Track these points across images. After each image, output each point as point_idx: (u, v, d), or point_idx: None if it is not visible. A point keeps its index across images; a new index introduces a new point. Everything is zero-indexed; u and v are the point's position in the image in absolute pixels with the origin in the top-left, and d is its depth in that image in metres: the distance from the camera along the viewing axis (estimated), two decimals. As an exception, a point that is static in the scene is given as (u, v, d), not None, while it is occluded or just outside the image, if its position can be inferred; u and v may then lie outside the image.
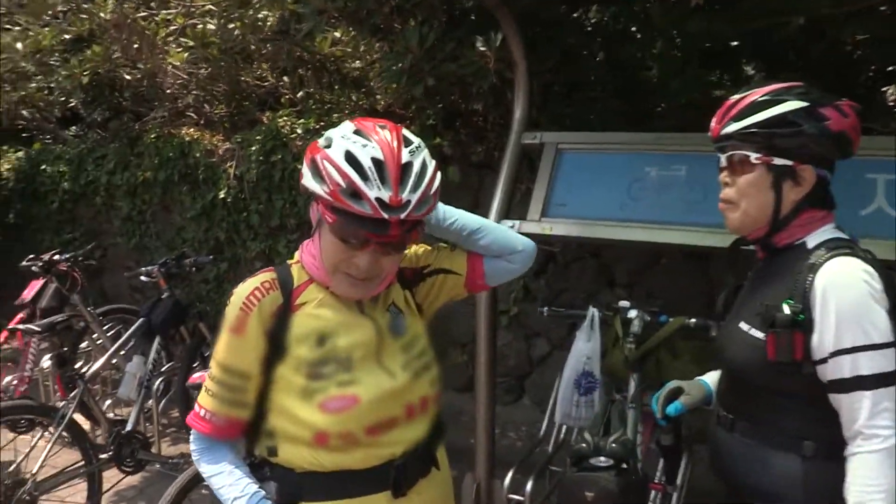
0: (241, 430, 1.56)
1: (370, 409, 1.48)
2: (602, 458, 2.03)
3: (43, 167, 6.23)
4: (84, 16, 5.00)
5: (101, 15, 4.67)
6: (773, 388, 1.58)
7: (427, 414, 1.60)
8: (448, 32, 3.65)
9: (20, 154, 6.57)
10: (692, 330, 2.73)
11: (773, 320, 1.50)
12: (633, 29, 4.13)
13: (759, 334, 1.54)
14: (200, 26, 4.95)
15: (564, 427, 3.11)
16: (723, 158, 1.63)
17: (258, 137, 5.12)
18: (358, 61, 4.91)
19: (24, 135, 7.03)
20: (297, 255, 1.59)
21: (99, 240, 6.07)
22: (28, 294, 4.24)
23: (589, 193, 3.18)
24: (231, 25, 4.74)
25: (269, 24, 4.33)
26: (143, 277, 4.00)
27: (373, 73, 4.77)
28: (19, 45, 5.38)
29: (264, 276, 1.53)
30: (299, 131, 5.24)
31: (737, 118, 1.58)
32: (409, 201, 1.37)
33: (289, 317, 1.50)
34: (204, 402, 1.53)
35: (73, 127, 6.83)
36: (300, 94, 5.43)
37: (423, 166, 1.43)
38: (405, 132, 1.47)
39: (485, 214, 3.30)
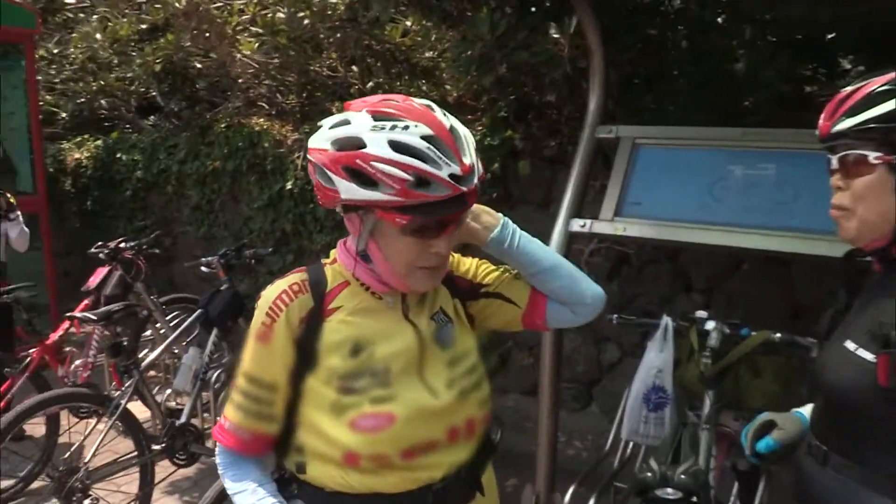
0: (268, 446, 1.42)
1: (406, 429, 1.31)
2: (670, 490, 1.81)
3: (119, 155, 6.34)
4: (158, 5, 5.02)
5: (176, 4, 4.67)
6: (880, 420, 1.34)
7: (473, 436, 1.42)
8: (521, 19, 3.46)
9: (99, 143, 6.70)
10: (776, 346, 2.47)
11: (888, 339, 1.26)
12: (720, 19, 3.84)
13: (869, 356, 1.31)
14: (270, 15, 4.90)
15: (632, 442, 2.89)
16: (834, 160, 1.39)
17: (325, 128, 5.04)
18: (429, 51, 4.77)
19: (105, 124, 7.20)
20: (332, 253, 1.44)
21: (169, 228, 6.13)
22: (93, 281, 4.25)
23: (667, 192, 2.97)
24: (300, 14, 4.67)
25: (338, 12, 4.23)
26: (203, 268, 3.96)
27: (444, 64, 4.62)
28: (98, 35, 5.46)
29: (294, 278, 1.38)
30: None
31: (851, 113, 1.34)
32: (473, 164, 1.24)
33: (320, 323, 1.34)
34: (229, 413, 1.39)
35: (152, 116, 6.94)
36: (370, 84, 5.33)
37: (468, 133, 1.30)
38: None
39: (556, 211, 3.16)
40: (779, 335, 2.44)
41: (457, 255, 1.52)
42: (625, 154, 3.13)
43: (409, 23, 4.86)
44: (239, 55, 5.14)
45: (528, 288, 1.50)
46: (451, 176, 1.20)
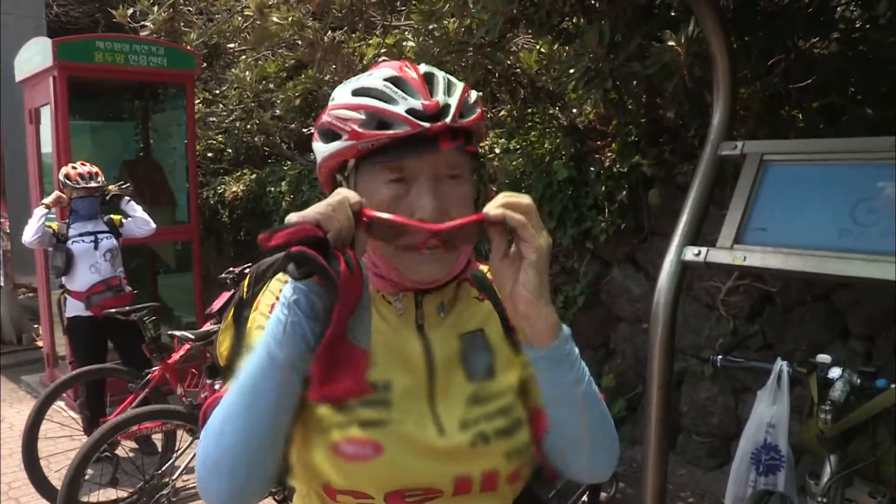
0: None
1: (394, 466, 1.03)
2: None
3: (268, 188, 6.60)
4: (299, 41, 5.19)
5: (309, 37, 4.78)
6: None
7: (496, 495, 1.10)
8: (635, 28, 3.15)
9: (253, 176, 7.04)
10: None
11: None
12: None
13: None
14: (404, 44, 4.90)
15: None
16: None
17: (453, 158, 4.93)
18: (554, 72, 4.52)
19: (269, 160, 7.58)
20: None
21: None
22: (215, 305, 4.34)
23: (798, 215, 2.54)
24: (430, 42, 4.60)
25: (458, 36, 4.12)
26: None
27: (570, 87, 4.35)
28: (247, 75, 5.73)
29: None
30: (497, 151, 4.97)
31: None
32: (447, 105, 1.03)
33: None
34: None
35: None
36: (502, 112, 5.17)
37: (451, 79, 1.09)
38: None
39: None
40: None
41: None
42: (750, 173, 2.72)
43: (541, 48, 4.65)
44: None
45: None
46: (410, 111, 1.01)
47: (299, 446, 1.08)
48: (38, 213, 4.63)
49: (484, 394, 1.09)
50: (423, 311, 1.12)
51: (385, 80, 1.04)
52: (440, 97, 1.03)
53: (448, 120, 1.01)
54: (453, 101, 1.03)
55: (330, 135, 1.06)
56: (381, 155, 1.02)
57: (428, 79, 1.06)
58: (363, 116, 1.02)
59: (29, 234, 4.59)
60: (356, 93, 1.05)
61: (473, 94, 1.08)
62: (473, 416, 1.07)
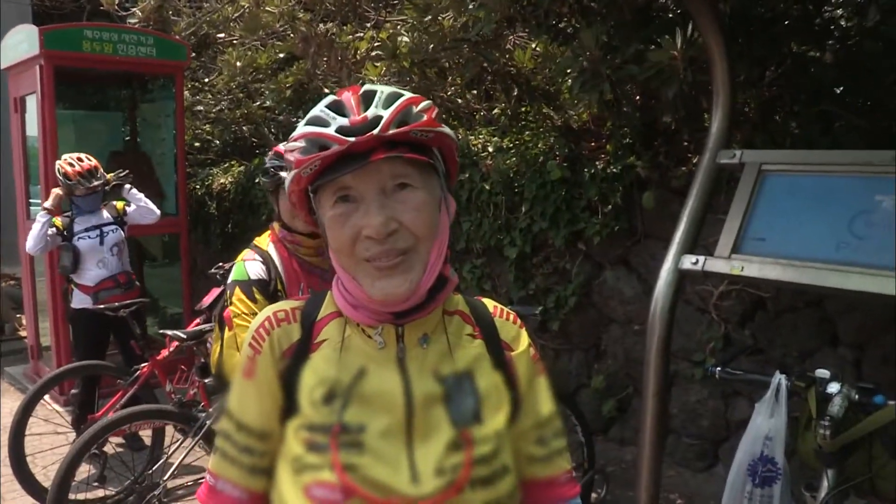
0: None
1: None
2: None
3: (257, 180, 6.53)
4: (291, 34, 5.13)
5: (302, 29, 4.73)
6: None
7: None
8: (634, 31, 3.14)
9: (241, 168, 6.97)
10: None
11: None
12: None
13: None
14: (398, 39, 4.85)
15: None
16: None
17: (447, 155, 4.91)
18: (549, 72, 4.51)
19: (257, 151, 7.51)
20: None
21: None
22: (206, 300, 4.29)
23: (797, 226, 2.55)
24: (425, 38, 4.57)
25: (452, 31, 4.09)
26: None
27: (565, 87, 4.34)
28: (238, 63, 5.67)
29: (283, 304, 1.16)
30: (490, 149, 4.95)
31: None
32: (378, 117, 1.01)
33: (305, 359, 1.10)
34: (218, 468, 1.12)
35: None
36: (495, 111, 5.14)
37: (395, 92, 1.06)
38: None
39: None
40: (926, 408, 1.94)
41: (521, 330, 1.21)
42: (749, 182, 2.73)
43: (536, 47, 4.63)
44: (368, 80, 5.13)
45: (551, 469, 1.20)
46: (339, 129, 1.01)
47: (278, 488, 1.08)
48: (41, 219, 4.49)
49: (465, 440, 1.06)
50: (405, 343, 1.09)
51: (325, 106, 1.06)
52: (372, 111, 1.02)
53: (376, 131, 0.99)
54: (386, 113, 1.01)
55: (288, 168, 1.08)
56: (325, 176, 1.04)
57: (366, 96, 1.05)
58: (304, 144, 1.04)
59: (32, 242, 4.46)
60: (304, 124, 1.07)
61: (423, 104, 1.05)
62: (451, 462, 1.04)
